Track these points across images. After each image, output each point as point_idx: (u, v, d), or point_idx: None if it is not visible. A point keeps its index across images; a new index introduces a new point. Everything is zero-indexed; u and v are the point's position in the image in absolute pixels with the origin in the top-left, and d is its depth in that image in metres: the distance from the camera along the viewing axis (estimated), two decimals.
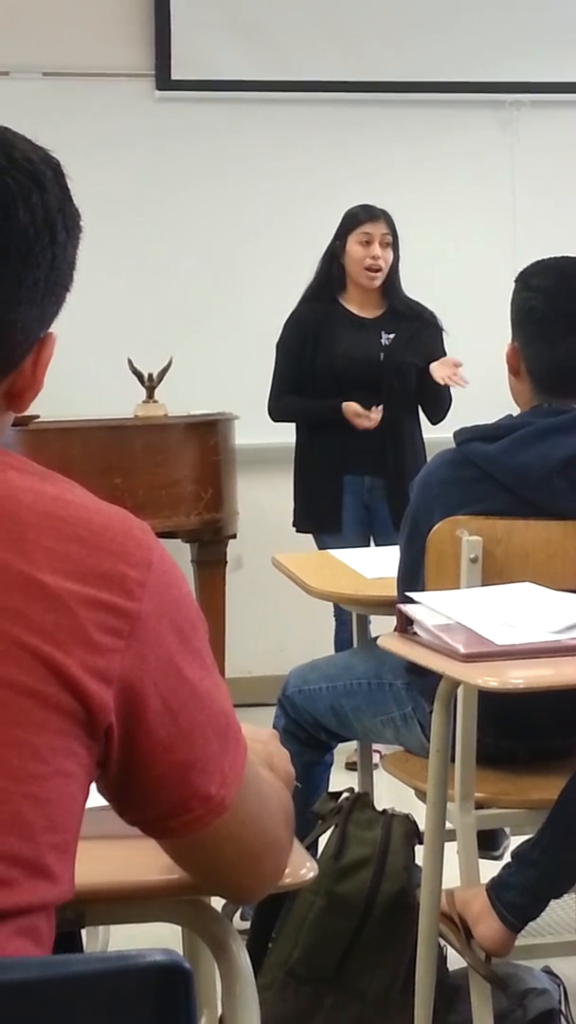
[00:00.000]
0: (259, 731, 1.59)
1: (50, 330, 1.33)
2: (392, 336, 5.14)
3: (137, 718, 1.22)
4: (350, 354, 5.11)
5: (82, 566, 1.19)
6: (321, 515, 5.20)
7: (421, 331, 5.19)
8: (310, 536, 5.25)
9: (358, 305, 5.21)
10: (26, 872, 1.15)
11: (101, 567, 1.20)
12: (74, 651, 1.17)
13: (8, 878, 1.14)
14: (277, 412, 5.24)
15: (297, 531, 5.26)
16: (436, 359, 5.14)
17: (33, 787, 1.15)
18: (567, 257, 2.91)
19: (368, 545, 5.00)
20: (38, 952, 1.16)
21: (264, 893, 1.48)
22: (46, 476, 1.25)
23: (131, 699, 1.21)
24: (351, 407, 5.04)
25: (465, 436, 2.87)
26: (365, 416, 5.02)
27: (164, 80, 6.21)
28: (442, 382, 5.00)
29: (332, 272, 5.19)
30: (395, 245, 5.16)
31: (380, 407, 5.03)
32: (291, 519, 5.28)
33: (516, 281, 2.94)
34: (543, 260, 2.91)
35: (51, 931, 1.20)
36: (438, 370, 5.01)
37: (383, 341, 5.14)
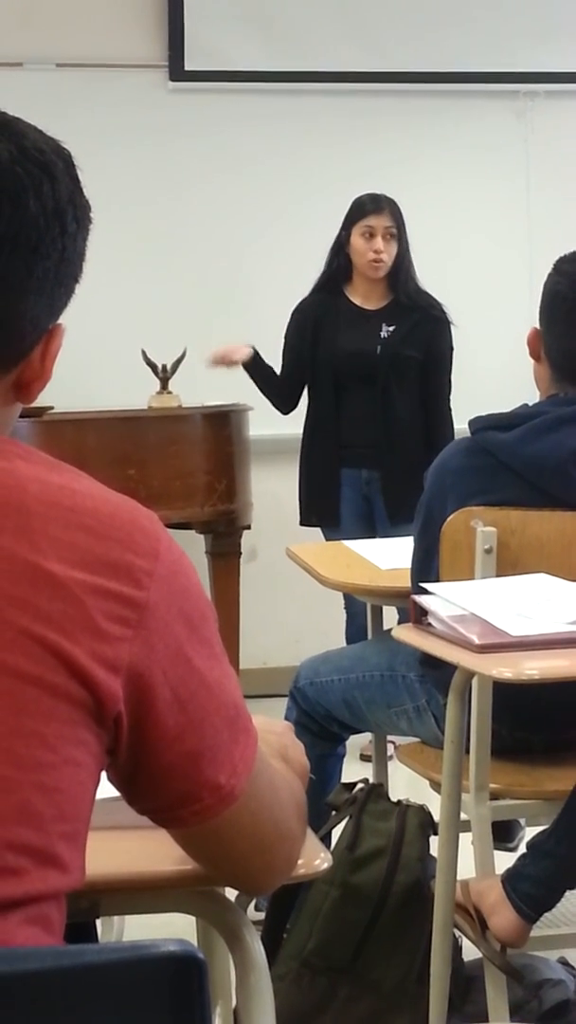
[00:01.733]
0: (274, 723, 1.58)
1: (59, 321, 1.33)
2: (392, 328, 5.13)
3: (146, 707, 1.22)
4: (347, 347, 5.11)
5: (89, 555, 1.19)
6: (320, 509, 5.21)
7: (422, 323, 5.16)
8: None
9: (362, 296, 5.21)
10: (36, 861, 1.15)
11: (108, 556, 1.20)
12: (82, 640, 1.17)
13: (17, 867, 1.14)
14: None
15: (301, 524, 5.26)
16: (436, 352, 5.14)
17: (42, 776, 1.15)
18: None
19: (371, 538, 4.99)
20: (49, 940, 1.16)
21: (275, 885, 1.47)
22: (53, 466, 1.24)
23: (140, 688, 1.21)
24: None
25: (480, 425, 2.86)
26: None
27: (177, 71, 6.20)
28: None
29: (338, 263, 5.19)
30: (401, 235, 5.13)
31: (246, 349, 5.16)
32: None
33: (553, 265, 2.91)
34: None
35: (62, 919, 1.20)
36: None
37: (382, 334, 5.12)
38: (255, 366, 5.21)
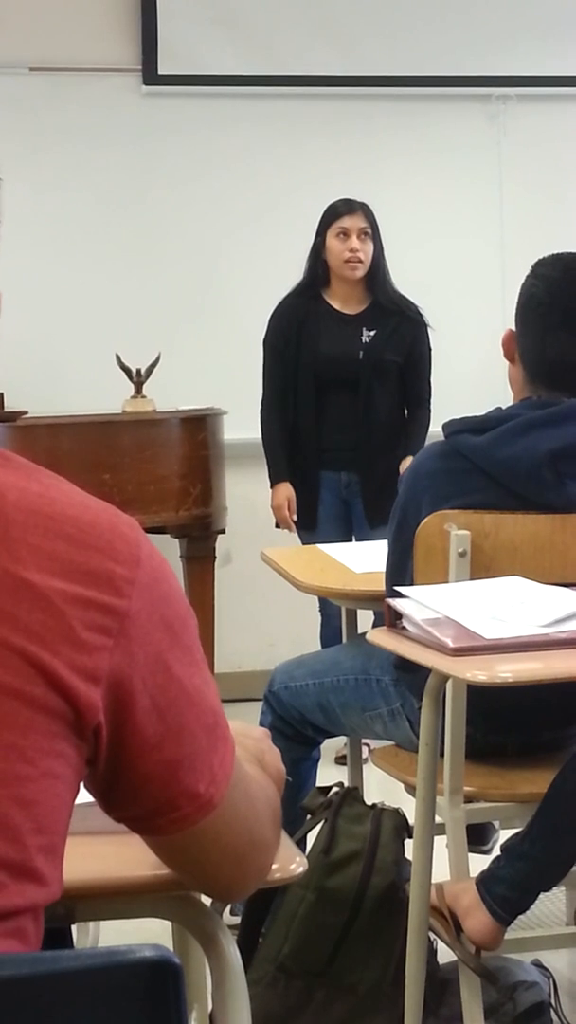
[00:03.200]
0: (251, 728, 1.58)
1: None
2: (373, 333, 5.13)
3: (125, 716, 1.22)
4: (329, 351, 5.11)
5: (69, 564, 1.18)
6: (298, 511, 5.20)
7: (402, 326, 5.17)
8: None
9: (341, 300, 5.21)
10: (12, 875, 1.14)
11: (88, 565, 1.19)
12: (61, 651, 1.16)
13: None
14: (263, 425, 5.25)
15: (277, 527, 5.26)
16: (416, 355, 5.15)
17: (20, 789, 1.15)
18: None
19: (348, 541, 5.00)
20: (25, 951, 1.16)
21: (247, 892, 1.47)
22: (32, 472, 1.24)
23: (119, 697, 1.21)
24: (279, 498, 5.17)
25: (454, 428, 2.87)
26: (283, 511, 5.17)
27: (151, 75, 6.20)
28: None
29: (317, 269, 5.19)
30: (375, 237, 5.14)
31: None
32: None
33: (531, 268, 2.92)
34: (560, 253, 2.89)
35: (39, 931, 1.20)
36: None
37: (363, 338, 5.13)
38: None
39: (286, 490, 5.16)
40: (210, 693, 1.30)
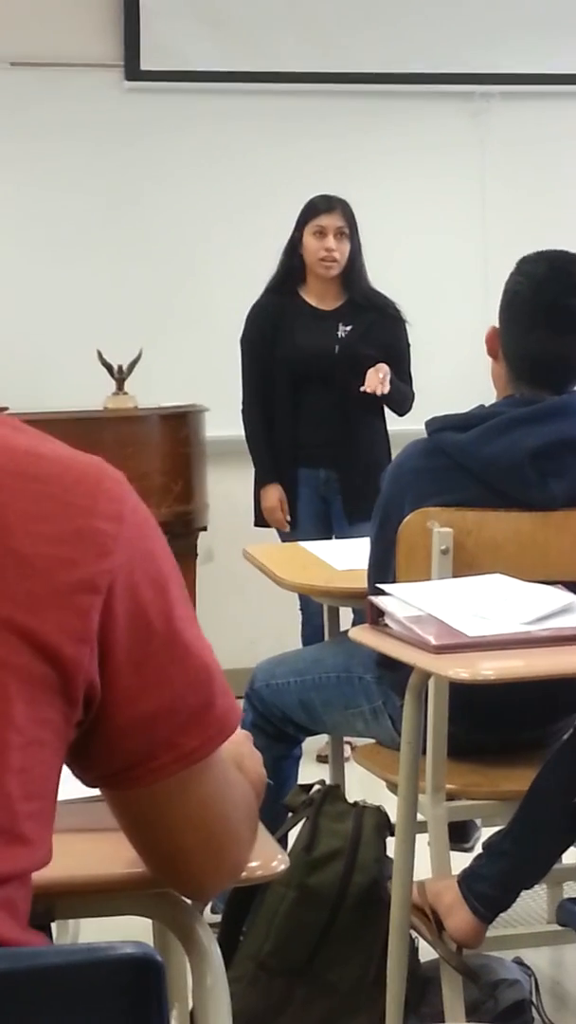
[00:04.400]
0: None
1: None
2: (349, 328, 5.13)
3: (110, 671, 1.22)
4: (305, 347, 5.09)
5: (56, 526, 1.18)
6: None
7: (379, 322, 5.16)
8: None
9: (317, 297, 5.20)
10: (2, 840, 1.15)
11: (74, 524, 1.19)
12: (49, 617, 1.17)
13: None
14: (246, 426, 5.24)
15: (256, 525, 5.24)
16: (396, 352, 5.14)
17: (7, 757, 1.15)
18: (565, 251, 2.89)
19: (328, 539, 4.98)
20: (13, 925, 1.15)
21: (218, 889, 1.46)
22: (17, 428, 1.25)
23: (106, 653, 1.21)
24: (271, 500, 5.15)
25: (436, 425, 2.87)
26: (276, 512, 5.15)
27: (133, 70, 6.19)
28: (368, 390, 4.97)
29: (292, 264, 5.18)
30: (353, 236, 5.13)
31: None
32: None
33: (515, 265, 2.92)
34: (544, 250, 2.89)
35: (27, 904, 1.19)
36: (369, 378, 4.98)
37: (339, 333, 5.12)
38: None
39: (276, 491, 5.15)
40: (202, 649, 1.29)
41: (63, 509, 1.19)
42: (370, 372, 4.96)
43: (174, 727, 1.26)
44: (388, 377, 4.97)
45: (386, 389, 4.95)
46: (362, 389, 4.94)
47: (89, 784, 1.31)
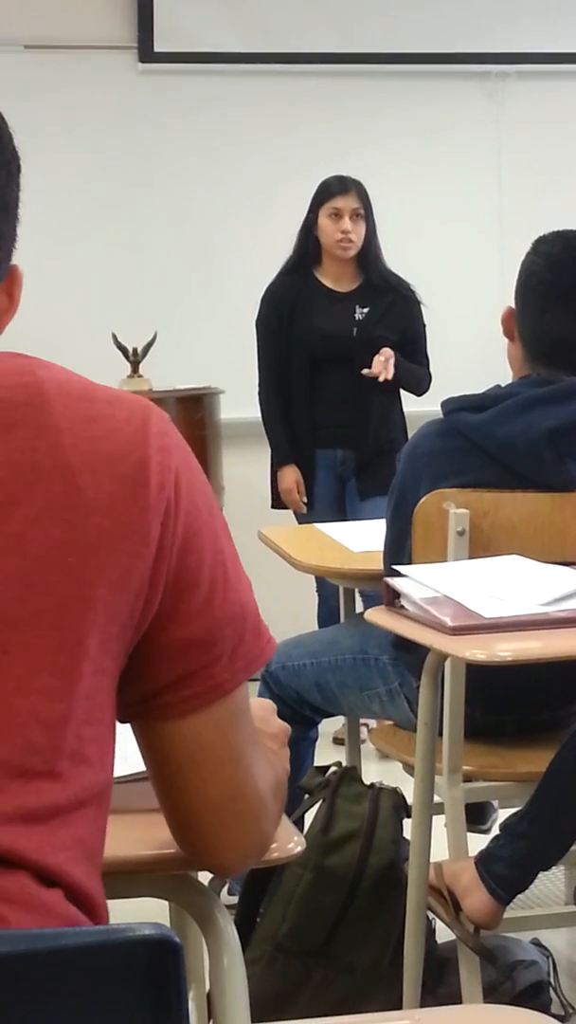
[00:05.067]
0: (271, 721, 1.57)
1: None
2: (366, 310, 5.11)
3: (161, 593, 1.25)
4: (323, 329, 5.08)
5: (116, 464, 1.22)
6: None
7: (396, 304, 5.15)
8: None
9: (333, 279, 5.18)
10: (71, 761, 1.19)
11: (129, 458, 1.23)
12: (122, 547, 1.21)
13: (59, 770, 1.17)
14: (263, 408, 5.23)
15: (273, 507, 5.24)
16: (412, 333, 5.13)
17: (78, 685, 1.19)
18: None
19: (345, 520, 4.98)
20: (88, 867, 1.20)
21: (242, 861, 1.45)
22: (56, 368, 1.30)
23: (159, 576, 1.24)
24: (287, 482, 5.14)
25: (452, 406, 2.86)
26: (293, 494, 5.14)
27: (147, 52, 6.18)
28: (370, 375, 4.96)
29: (308, 245, 5.17)
30: (368, 216, 5.11)
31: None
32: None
33: (531, 245, 2.91)
34: (561, 230, 2.88)
35: (100, 844, 1.24)
36: (374, 364, 4.98)
37: (357, 315, 5.11)
38: None
39: (293, 473, 5.15)
40: (240, 584, 1.32)
41: (120, 447, 1.23)
42: (376, 358, 4.96)
43: (209, 657, 1.29)
44: (392, 361, 4.97)
45: (389, 375, 4.95)
46: (364, 372, 4.94)
47: (121, 718, 1.32)
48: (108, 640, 1.21)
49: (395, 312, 5.13)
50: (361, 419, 5.09)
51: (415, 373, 5.11)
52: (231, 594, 1.30)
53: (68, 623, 1.18)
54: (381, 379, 4.95)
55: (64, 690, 1.18)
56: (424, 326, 5.19)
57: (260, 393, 5.21)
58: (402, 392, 5.18)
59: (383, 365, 4.95)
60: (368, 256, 5.13)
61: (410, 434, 3.18)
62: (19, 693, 1.16)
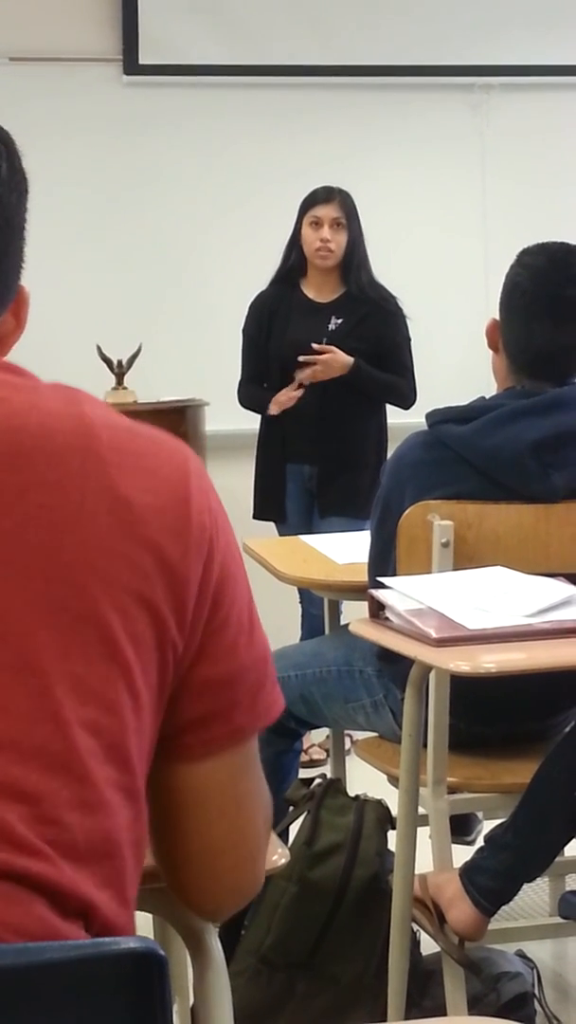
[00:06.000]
0: None
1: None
2: (340, 321, 5.10)
3: (193, 632, 1.26)
4: (296, 339, 5.06)
5: (160, 498, 1.24)
6: (268, 504, 5.20)
7: (372, 316, 5.11)
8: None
9: (315, 289, 5.18)
10: (129, 799, 1.20)
11: (175, 496, 1.25)
12: (159, 583, 1.21)
13: (109, 800, 1.17)
14: (241, 399, 5.24)
15: (254, 518, 5.24)
16: (388, 345, 5.11)
17: (128, 719, 1.19)
18: (565, 243, 2.89)
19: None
20: (115, 896, 1.18)
21: (236, 906, 1.45)
22: (107, 407, 1.31)
23: (196, 615, 1.25)
24: (277, 397, 5.07)
25: (437, 417, 2.86)
26: (285, 396, 5.04)
27: (132, 65, 6.18)
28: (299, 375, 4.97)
29: (294, 256, 5.17)
30: (351, 226, 5.10)
31: (298, 385, 5.02)
32: None
33: (515, 257, 2.91)
34: (545, 242, 2.89)
35: (139, 873, 1.24)
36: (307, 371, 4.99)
37: (330, 327, 5.10)
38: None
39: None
40: (262, 631, 1.34)
41: (163, 483, 1.25)
42: (320, 355, 4.96)
43: (231, 698, 1.30)
44: (333, 367, 4.94)
45: (315, 376, 4.94)
46: (300, 359, 4.94)
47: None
48: (149, 674, 1.21)
49: (370, 324, 5.09)
50: (329, 434, 5.07)
51: (383, 382, 5.07)
52: (256, 637, 1.32)
53: (115, 657, 1.18)
54: (300, 381, 4.97)
55: (109, 725, 1.18)
56: (407, 339, 5.16)
57: (239, 389, 5.21)
58: (387, 406, 5.18)
59: (310, 370, 4.95)
60: (351, 266, 5.12)
61: (393, 447, 3.17)
62: (69, 725, 1.15)
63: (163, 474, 1.25)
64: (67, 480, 1.19)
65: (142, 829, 1.23)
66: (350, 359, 4.97)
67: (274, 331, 5.12)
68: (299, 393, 5.02)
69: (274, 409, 5.06)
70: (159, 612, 1.21)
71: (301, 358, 4.95)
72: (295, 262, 5.16)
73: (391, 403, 5.13)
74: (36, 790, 1.13)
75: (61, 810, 1.14)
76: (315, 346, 4.96)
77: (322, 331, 5.07)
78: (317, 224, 5.07)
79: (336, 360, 4.96)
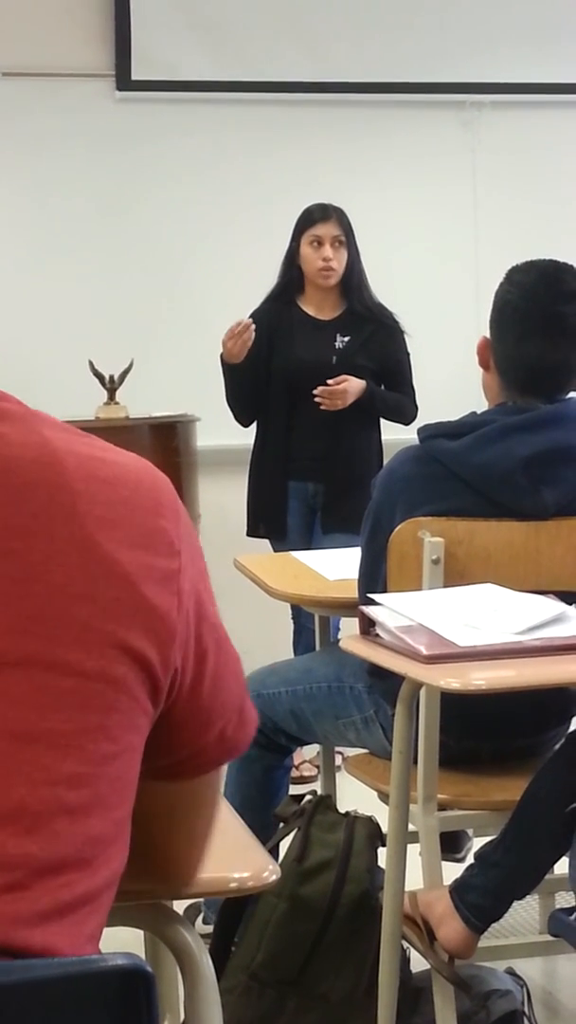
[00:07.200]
0: None
1: None
2: (347, 339, 5.11)
3: (179, 666, 1.24)
4: (303, 357, 5.07)
5: (130, 530, 1.18)
6: (267, 520, 5.18)
7: (377, 333, 5.14)
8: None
9: (315, 307, 5.19)
10: (104, 848, 1.16)
11: (145, 526, 1.20)
12: (136, 622, 1.17)
13: (91, 857, 1.15)
14: (229, 403, 5.23)
15: (248, 535, 5.23)
16: (394, 362, 5.13)
17: (107, 768, 1.16)
18: (555, 260, 2.89)
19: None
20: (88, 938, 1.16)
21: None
22: (71, 430, 1.24)
23: (183, 652, 1.23)
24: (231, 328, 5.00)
25: (429, 433, 2.86)
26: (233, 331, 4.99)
27: (124, 80, 6.19)
28: (318, 397, 4.96)
29: (291, 274, 5.17)
30: (350, 244, 5.11)
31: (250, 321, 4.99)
32: None
33: (505, 275, 2.92)
34: (535, 260, 2.90)
35: (106, 912, 1.21)
36: (328, 391, 4.98)
37: (337, 344, 5.11)
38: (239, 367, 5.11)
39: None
40: (232, 645, 1.33)
41: (132, 512, 1.19)
42: (331, 384, 4.96)
43: (224, 721, 1.30)
44: (346, 394, 4.95)
45: (329, 404, 4.94)
46: (315, 393, 4.94)
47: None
48: (133, 716, 1.18)
49: (376, 341, 5.12)
50: (334, 452, 5.07)
51: (392, 402, 5.11)
52: (232, 655, 1.31)
53: (92, 704, 1.14)
54: (323, 406, 4.96)
55: (90, 776, 1.14)
56: (408, 355, 5.18)
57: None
58: (382, 421, 5.19)
59: (329, 395, 4.95)
60: (351, 284, 5.13)
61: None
62: (47, 784, 1.11)
63: (134, 502, 1.20)
64: (33, 523, 1.14)
65: (121, 867, 1.21)
66: (363, 383, 4.98)
67: (277, 348, 5.10)
68: (248, 321, 4.99)
69: (230, 344, 4.99)
70: (139, 652, 1.17)
71: (316, 391, 4.94)
72: (292, 279, 5.16)
73: (397, 421, 5.14)
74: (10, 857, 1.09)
75: (33, 877, 1.10)
76: (330, 382, 4.95)
77: (330, 349, 5.08)
78: (318, 243, 5.07)
79: (352, 386, 4.97)
